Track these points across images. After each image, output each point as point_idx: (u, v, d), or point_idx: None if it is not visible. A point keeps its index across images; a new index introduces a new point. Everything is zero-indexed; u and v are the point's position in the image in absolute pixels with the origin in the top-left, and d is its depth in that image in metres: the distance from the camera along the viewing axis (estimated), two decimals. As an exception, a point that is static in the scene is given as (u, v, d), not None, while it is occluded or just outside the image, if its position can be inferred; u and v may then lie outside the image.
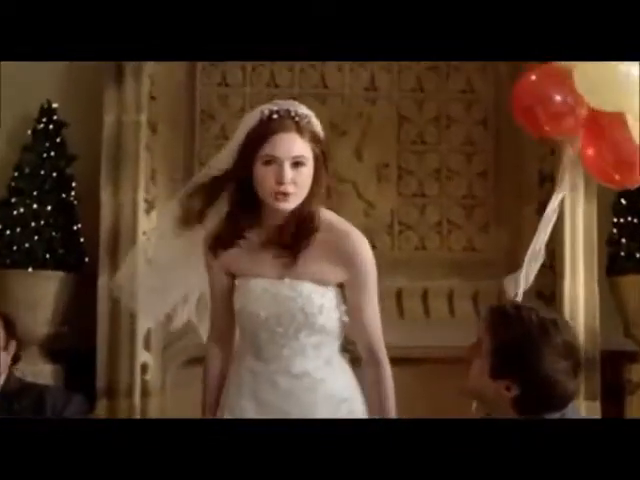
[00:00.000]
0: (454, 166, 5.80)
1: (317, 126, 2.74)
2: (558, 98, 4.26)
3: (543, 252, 4.48)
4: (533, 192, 5.55)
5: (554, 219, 4.56)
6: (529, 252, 4.47)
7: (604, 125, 4.29)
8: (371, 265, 2.73)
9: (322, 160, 2.71)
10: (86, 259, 5.36)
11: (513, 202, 5.68)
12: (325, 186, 2.74)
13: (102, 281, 5.21)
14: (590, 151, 4.36)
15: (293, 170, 2.64)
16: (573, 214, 5.30)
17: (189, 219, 2.79)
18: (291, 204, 2.66)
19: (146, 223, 5.31)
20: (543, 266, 4.82)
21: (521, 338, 2.44)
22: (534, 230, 5.03)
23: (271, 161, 2.65)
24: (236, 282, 2.78)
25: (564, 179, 4.51)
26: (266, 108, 2.71)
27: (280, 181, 2.63)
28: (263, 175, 2.66)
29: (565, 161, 4.48)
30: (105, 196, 5.30)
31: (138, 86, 5.31)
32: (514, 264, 5.19)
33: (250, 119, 2.73)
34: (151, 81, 5.39)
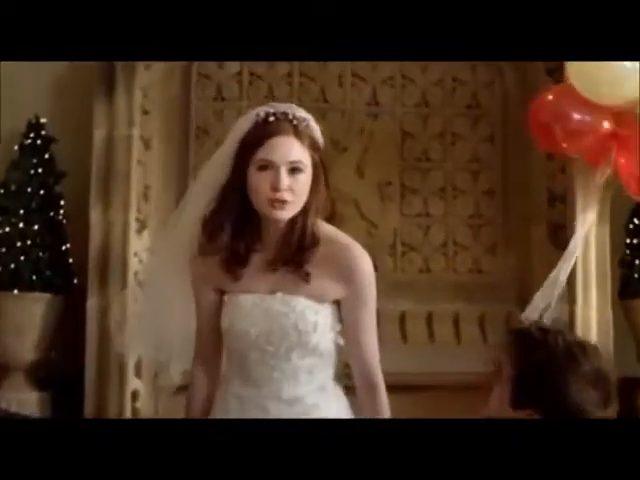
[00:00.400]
0: (460, 184, 5.70)
1: (316, 131, 2.57)
2: (577, 116, 4.42)
3: (564, 286, 4.50)
4: (542, 212, 5.48)
5: (578, 252, 4.60)
6: (547, 283, 4.48)
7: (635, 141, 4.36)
8: (371, 282, 2.57)
9: (321, 168, 2.54)
10: (75, 281, 5.27)
11: (521, 222, 5.59)
12: (324, 197, 2.56)
13: (91, 304, 5.12)
14: (624, 166, 4.41)
15: (290, 176, 2.47)
16: (585, 238, 5.15)
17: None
18: (288, 213, 2.49)
19: (138, 243, 5.24)
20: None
21: (546, 364, 2.27)
22: (543, 251, 5.27)
23: (266, 166, 2.47)
24: (224, 298, 2.61)
25: (590, 209, 4.58)
26: (262, 110, 2.53)
27: (276, 187, 2.45)
28: (257, 182, 2.48)
29: (592, 190, 4.57)
30: (95, 215, 5.20)
31: (130, 99, 5.23)
32: (523, 287, 5.33)
33: (244, 122, 2.55)
34: (143, 94, 5.31)
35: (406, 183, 5.67)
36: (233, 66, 5.58)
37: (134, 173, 5.26)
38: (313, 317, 2.53)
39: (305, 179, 2.50)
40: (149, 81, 5.34)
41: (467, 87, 5.70)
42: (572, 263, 4.55)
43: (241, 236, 2.54)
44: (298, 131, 2.50)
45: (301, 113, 2.54)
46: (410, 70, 5.66)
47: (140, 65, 5.23)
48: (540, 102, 4.56)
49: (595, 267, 5.23)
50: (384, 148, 5.64)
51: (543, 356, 2.27)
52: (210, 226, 2.53)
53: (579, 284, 5.21)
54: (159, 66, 5.33)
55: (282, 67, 5.59)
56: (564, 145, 4.47)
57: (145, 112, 5.35)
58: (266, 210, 2.49)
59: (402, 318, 5.48)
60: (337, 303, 2.59)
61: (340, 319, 2.58)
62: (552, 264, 5.18)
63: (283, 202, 2.46)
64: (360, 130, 5.64)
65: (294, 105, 2.59)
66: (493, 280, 5.60)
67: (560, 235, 5.32)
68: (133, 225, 5.23)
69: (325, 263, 2.52)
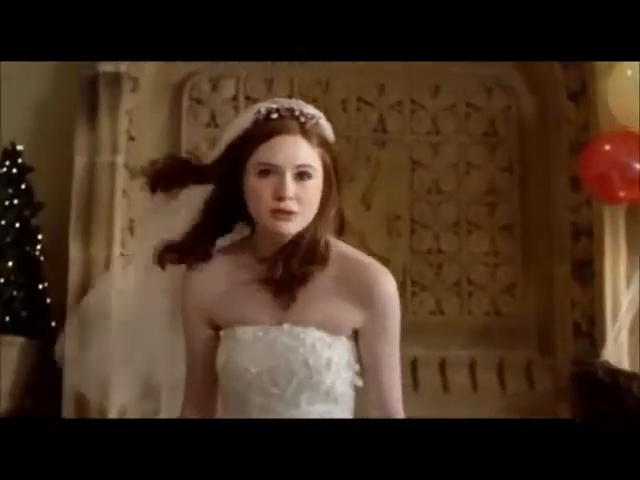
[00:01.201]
0: (474, 218, 5.54)
1: (328, 130, 2.30)
2: (636, 163, 4.64)
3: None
4: (566, 248, 5.29)
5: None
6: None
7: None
8: (395, 307, 2.28)
9: (334, 173, 2.27)
10: (52, 323, 5.04)
11: (543, 259, 5.42)
12: (337, 207, 2.30)
13: (69, 349, 4.69)
14: None
15: (297, 183, 2.19)
16: (615, 275, 5.03)
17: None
18: (294, 225, 2.20)
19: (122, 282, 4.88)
20: (579, 333, 4.96)
21: (618, 413, 1.96)
22: (568, 291, 5.23)
23: (268, 171, 2.19)
24: (221, 334, 2.33)
25: None
26: (262, 106, 2.26)
27: (280, 195, 2.17)
28: (258, 189, 2.19)
29: None
30: (75, 250, 5.05)
31: (114, 123, 5.15)
32: (545, 331, 5.32)
33: (241, 120, 2.28)
34: (129, 118, 5.22)
35: (416, 217, 5.51)
36: (228, 90, 5.47)
37: (118, 205, 5.10)
38: (326, 352, 2.23)
39: (315, 186, 2.22)
40: (136, 104, 5.23)
41: (482, 113, 5.57)
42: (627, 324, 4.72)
43: (204, 229, 2.28)
44: (306, 129, 2.22)
45: (309, 109, 2.26)
46: (420, 95, 5.55)
47: (126, 87, 5.14)
48: (594, 151, 4.75)
49: (626, 308, 5.00)
50: (392, 179, 5.49)
51: (614, 404, 2.02)
52: (191, 241, 2.28)
53: (608, 327, 4.96)
54: (147, 88, 5.24)
55: (281, 90, 5.44)
56: (622, 194, 4.65)
57: (131, 138, 5.21)
58: (268, 222, 2.20)
59: (413, 365, 5.29)
60: (354, 338, 2.30)
61: (358, 357, 2.29)
62: (577, 305, 5.19)
63: (289, 213, 2.18)
64: (366, 159, 5.51)
65: (301, 101, 2.31)
66: (512, 323, 5.42)
67: (586, 273, 5.16)
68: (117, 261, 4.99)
69: (339, 284, 2.25)
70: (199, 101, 5.45)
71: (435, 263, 5.47)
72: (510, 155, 5.55)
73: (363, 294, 2.24)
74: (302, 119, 2.22)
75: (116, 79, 5.03)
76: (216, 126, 5.40)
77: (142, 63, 5.08)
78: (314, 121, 2.24)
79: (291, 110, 2.23)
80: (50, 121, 5.28)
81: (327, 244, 2.24)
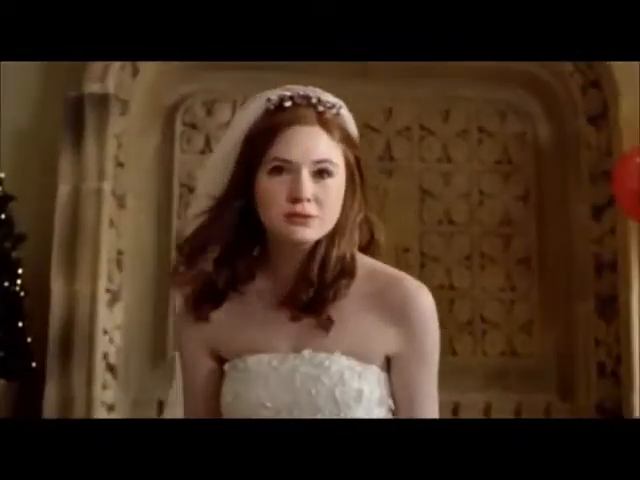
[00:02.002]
0: (488, 251, 5.37)
1: (350, 122, 2.06)
2: None
3: None
4: (588, 283, 5.08)
5: None
6: None
7: None
8: (433, 324, 2.01)
9: (358, 172, 2.04)
10: (33, 364, 4.89)
11: (563, 295, 5.24)
12: (363, 215, 2.05)
13: (50, 392, 4.81)
14: None
15: (315, 182, 1.94)
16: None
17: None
18: (313, 232, 1.93)
19: (108, 319, 4.95)
20: (603, 374, 4.84)
21: None
22: (590, 329, 5.04)
23: (282, 168, 1.92)
24: (225, 367, 2.06)
25: None
26: (274, 94, 2.00)
27: (296, 197, 1.90)
28: (269, 189, 1.92)
29: None
30: (57, 285, 4.89)
31: (101, 148, 4.97)
32: (565, 372, 5.14)
33: (250, 111, 2.02)
34: (118, 143, 5.03)
35: (426, 250, 5.36)
36: (223, 114, 5.30)
37: (105, 235, 4.93)
38: (356, 383, 1.95)
39: (336, 185, 1.97)
40: (125, 128, 5.04)
41: (495, 139, 5.40)
42: None
43: (229, 263, 2.00)
44: (325, 120, 1.97)
45: (328, 97, 2.01)
46: (429, 120, 5.39)
47: (114, 110, 4.97)
48: (627, 166, 4.60)
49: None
50: (400, 209, 5.33)
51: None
52: (193, 243, 1.99)
53: (636, 368, 4.77)
54: (137, 111, 5.09)
55: (281, 115, 5.21)
56: None
57: (119, 164, 5.03)
58: (282, 228, 1.92)
59: (423, 409, 4.95)
60: (387, 369, 2.02)
61: (391, 391, 2.02)
62: (602, 343, 4.96)
63: (306, 217, 1.91)
64: (373, 188, 5.12)
65: (318, 89, 2.04)
66: (530, 364, 5.25)
67: (611, 310, 4.94)
68: (103, 297, 4.89)
69: (368, 302, 1.98)
70: (193, 126, 5.35)
71: (446, 299, 5.26)
72: (526, 183, 5.38)
73: (396, 311, 1.97)
74: (320, 108, 1.96)
75: (103, 101, 4.87)
76: (211, 152, 5.05)
77: (132, 85, 4.93)
78: (334, 110, 1.98)
79: (307, 98, 1.97)
80: (32, 146, 5.12)
81: (353, 256, 1.97)
